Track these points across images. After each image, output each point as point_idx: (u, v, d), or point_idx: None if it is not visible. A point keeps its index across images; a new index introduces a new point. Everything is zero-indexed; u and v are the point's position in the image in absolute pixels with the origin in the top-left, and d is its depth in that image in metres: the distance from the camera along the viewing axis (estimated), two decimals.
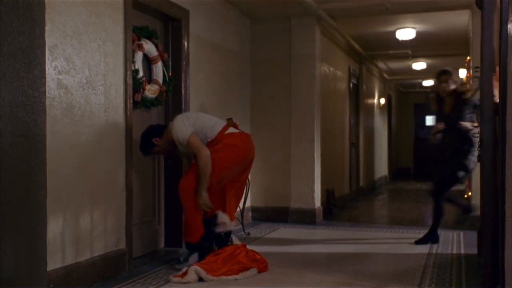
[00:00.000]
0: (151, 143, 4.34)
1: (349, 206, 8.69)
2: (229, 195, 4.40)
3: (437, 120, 5.45)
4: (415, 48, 9.46)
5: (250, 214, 6.79)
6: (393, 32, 8.21)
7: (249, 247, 5.07)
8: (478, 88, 4.75)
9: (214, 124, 4.34)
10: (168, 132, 4.26)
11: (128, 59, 4.23)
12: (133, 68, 4.35)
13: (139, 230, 4.59)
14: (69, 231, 3.62)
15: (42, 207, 2.25)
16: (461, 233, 5.86)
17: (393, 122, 15.35)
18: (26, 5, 2.13)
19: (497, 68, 3.32)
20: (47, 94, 3.31)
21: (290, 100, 6.79)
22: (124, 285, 3.83)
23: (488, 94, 3.66)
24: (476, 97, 4.94)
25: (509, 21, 3.43)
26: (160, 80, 4.78)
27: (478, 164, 3.94)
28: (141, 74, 4.49)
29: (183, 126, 4.18)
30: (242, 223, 5.89)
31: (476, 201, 5.66)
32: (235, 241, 4.54)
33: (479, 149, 3.81)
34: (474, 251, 4.78)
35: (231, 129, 4.35)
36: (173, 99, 5.01)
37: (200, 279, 3.89)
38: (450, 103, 5.34)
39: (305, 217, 6.70)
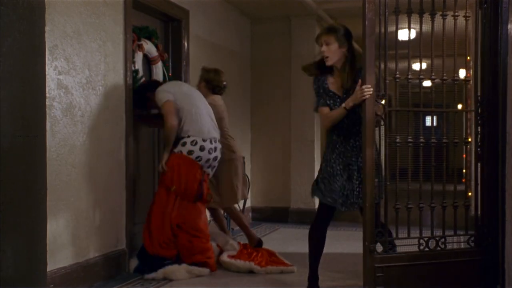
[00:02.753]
0: (145, 97, 4.33)
1: None
2: None
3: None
4: (415, 48, 9.44)
5: (250, 214, 6.79)
6: (393, 32, 8.20)
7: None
8: None
9: (195, 119, 4.19)
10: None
11: (128, 59, 4.23)
12: (133, 68, 4.35)
13: (139, 230, 4.58)
14: (69, 231, 3.62)
15: (42, 207, 2.24)
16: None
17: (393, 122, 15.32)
18: (26, 5, 2.13)
19: None
20: (47, 94, 3.31)
21: (290, 100, 6.79)
22: (124, 285, 3.83)
23: (488, 95, 3.66)
24: None
25: (509, 21, 3.43)
26: (160, 80, 4.77)
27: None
28: (141, 74, 4.49)
29: (165, 92, 4.18)
30: None
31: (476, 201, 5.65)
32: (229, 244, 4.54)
33: (479, 149, 3.80)
34: None
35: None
36: None
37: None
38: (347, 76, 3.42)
39: (305, 217, 6.69)
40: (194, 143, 4.13)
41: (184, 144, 4.12)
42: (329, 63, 3.38)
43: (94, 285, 3.79)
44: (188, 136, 4.14)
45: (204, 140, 4.17)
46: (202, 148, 4.15)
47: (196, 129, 4.16)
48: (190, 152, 4.11)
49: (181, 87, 4.37)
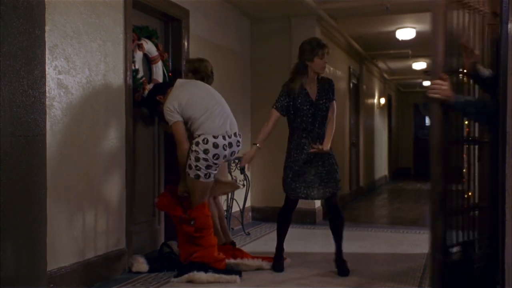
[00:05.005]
0: (156, 101, 4.30)
1: (349, 206, 8.69)
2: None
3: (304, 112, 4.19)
4: (415, 48, 9.46)
5: (250, 214, 6.79)
6: (393, 32, 8.21)
7: (249, 246, 5.09)
8: None
9: (204, 119, 4.07)
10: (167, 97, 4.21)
11: (128, 59, 4.23)
12: (133, 68, 4.35)
13: (139, 230, 4.59)
14: (69, 231, 3.62)
15: (42, 207, 2.24)
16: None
17: (393, 122, 15.35)
18: (26, 5, 2.13)
19: None
20: (47, 94, 3.31)
21: None
22: (124, 285, 3.83)
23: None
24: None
25: (509, 20, 3.43)
26: (160, 80, 4.77)
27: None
28: (141, 74, 4.49)
29: (171, 112, 4.07)
30: (242, 223, 5.90)
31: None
32: None
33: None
34: None
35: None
36: None
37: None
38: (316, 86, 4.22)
39: (305, 217, 6.70)
40: (205, 141, 4.01)
41: (197, 144, 4.03)
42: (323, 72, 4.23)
43: (94, 285, 3.79)
44: (199, 135, 4.05)
45: (215, 137, 4.04)
46: (215, 145, 4.02)
47: (205, 127, 4.06)
48: (206, 151, 4.00)
49: (188, 92, 4.16)
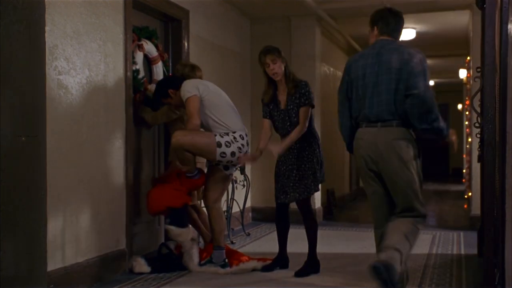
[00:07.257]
0: (167, 93, 4.27)
1: (349, 206, 8.69)
2: None
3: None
4: (415, 48, 9.45)
5: (250, 214, 6.79)
6: None
7: (249, 247, 5.09)
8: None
9: (226, 112, 4.27)
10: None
11: (128, 59, 4.23)
12: (133, 68, 4.34)
13: (139, 230, 4.58)
14: (69, 231, 3.62)
15: (42, 207, 2.24)
16: (461, 233, 5.86)
17: None
18: (26, 5, 2.13)
19: None
20: (47, 94, 3.31)
21: None
22: (124, 285, 3.83)
23: (490, 94, 3.66)
24: None
25: (509, 21, 3.43)
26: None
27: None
28: (141, 74, 4.48)
29: (191, 87, 4.12)
30: (242, 224, 5.90)
31: (476, 201, 5.66)
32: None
33: (479, 149, 3.80)
34: (474, 251, 4.77)
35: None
36: None
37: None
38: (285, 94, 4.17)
39: None
40: (231, 135, 4.20)
41: (235, 138, 4.19)
42: (278, 78, 4.11)
43: (94, 285, 3.79)
44: (234, 132, 4.22)
45: (234, 132, 4.24)
46: (236, 139, 4.23)
47: (228, 122, 4.24)
48: (228, 144, 4.17)
49: (208, 84, 4.31)
